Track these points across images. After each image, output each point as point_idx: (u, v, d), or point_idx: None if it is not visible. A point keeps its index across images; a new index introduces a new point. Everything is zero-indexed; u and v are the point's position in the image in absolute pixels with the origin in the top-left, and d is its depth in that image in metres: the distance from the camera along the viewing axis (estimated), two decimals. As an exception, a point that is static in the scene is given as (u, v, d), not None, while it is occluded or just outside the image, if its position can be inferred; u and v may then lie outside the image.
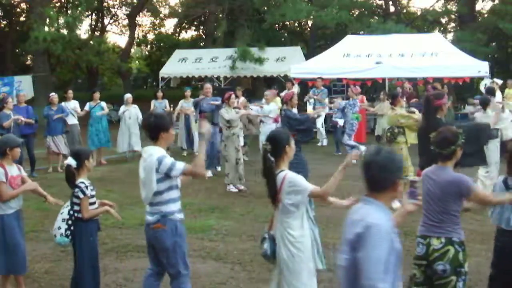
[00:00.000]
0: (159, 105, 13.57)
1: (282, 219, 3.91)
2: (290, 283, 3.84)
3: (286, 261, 3.84)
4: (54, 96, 12.02)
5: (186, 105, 13.40)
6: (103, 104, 12.93)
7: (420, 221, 4.00)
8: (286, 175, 3.88)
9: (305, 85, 17.62)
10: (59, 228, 4.54)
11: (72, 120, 12.41)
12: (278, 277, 3.93)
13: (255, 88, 25.07)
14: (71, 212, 4.54)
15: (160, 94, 13.86)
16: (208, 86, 11.40)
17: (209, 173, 10.49)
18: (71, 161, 4.53)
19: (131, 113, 13.12)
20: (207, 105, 10.87)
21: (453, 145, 3.86)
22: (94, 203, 4.63)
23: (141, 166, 4.28)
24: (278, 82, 18.71)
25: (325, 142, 15.52)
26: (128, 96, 13.48)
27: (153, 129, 4.27)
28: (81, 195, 4.49)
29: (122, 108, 13.32)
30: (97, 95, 12.99)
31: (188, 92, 13.86)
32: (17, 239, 4.85)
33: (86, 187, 4.51)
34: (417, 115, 7.84)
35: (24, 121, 10.58)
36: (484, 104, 8.83)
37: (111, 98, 15.57)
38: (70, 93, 12.75)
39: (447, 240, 3.79)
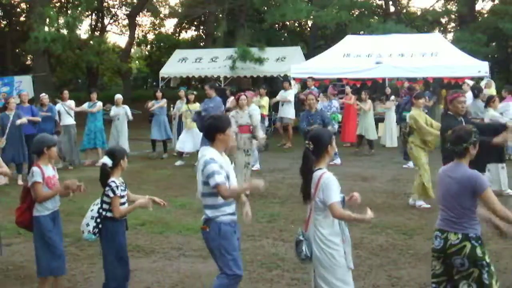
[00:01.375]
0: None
1: (314, 217, 3.94)
2: (325, 279, 3.87)
3: (320, 258, 3.87)
4: (43, 96, 11.91)
5: (179, 105, 13.42)
6: (99, 103, 12.85)
7: (438, 215, 4.09)
8: (323, 174, 3.92)
9: (305, 85, 17.61)
10: (88, 225, 4.54)
11: (68, 120, 12.29)
12: (314, 275, 3.97)
13: (255, 88, 25.03)
14: (100, 210, 4.53)
15: (159, 94, 13.84)
16: (207, 87, 11.35)
17: None
18: (106, 160, 4.50)
19: (120, 114, 13.09)
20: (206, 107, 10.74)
21: (465, 143, 3.94)
22: (124, 203, 4.59)
23: (198, 167, 4.31)
24: (277, 82, 18.69)
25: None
26: (118, 97, 13.43)
27: (209, 130, 4.26)
28: (111, 194, 4.46)
29: (114, 109, 13.25)
30: (94, 95, 12.95)
31: (181, 92, 13.76)
32: (55, 240, 4.78)
33: (117, 186, 4.47)
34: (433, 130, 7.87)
35: (30, 119, 10.55)
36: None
37: (111, 98, 15.57)
38: (66, 93, 12.67)
39: (464, 236, 3.86)
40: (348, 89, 15.36)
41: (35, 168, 4.72)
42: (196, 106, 12.33)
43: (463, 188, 3.88)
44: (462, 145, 3.94)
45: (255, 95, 13.19)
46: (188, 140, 12.29)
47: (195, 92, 13.35)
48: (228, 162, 4.37)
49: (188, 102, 12.74)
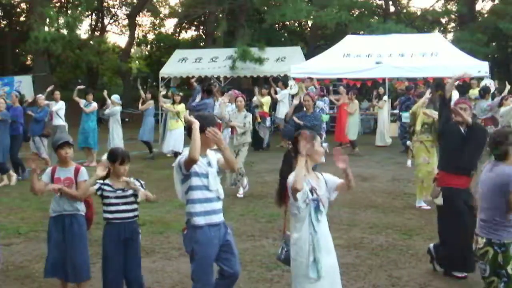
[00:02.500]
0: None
1: (291, 221, 3.96)
2: (291, 284, 3.94)
3: (291, 262, 3.93)
4: (40, 97, 11.93)
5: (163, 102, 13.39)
6: (93, 104, 12.83)
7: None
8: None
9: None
10: None
11: (58, 121, 12.31)
12: None
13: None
14: None
15: (148, 95, 13.88)
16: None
17: None
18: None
19: (116, 113, 13.09)
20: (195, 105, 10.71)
21: (502, 146, 3.95)
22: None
23: None
24: (277, 82, 18.66)
25: None
26: (114, 97, 13.32)
27: (189, 130, 4.03)
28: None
29: (108, 109, 13.25)
30: (90, 96, 12.94)
31: (170, 94, 13.84)
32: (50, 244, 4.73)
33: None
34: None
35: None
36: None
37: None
38: (57, 94, 12.69)
39: (487, 240, 3.89)
40: (341, 88, 15.37)
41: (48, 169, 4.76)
42: (182, 107, 12.24)
43: (495, 185, 3.88)
44: (498, 148, 3.95)
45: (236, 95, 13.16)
46: (170, 140, 12.33)
47: (181, 93, 13.23)
48: (210, 162, 4.14)
49: (173, 102, 12.59)
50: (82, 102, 12.91)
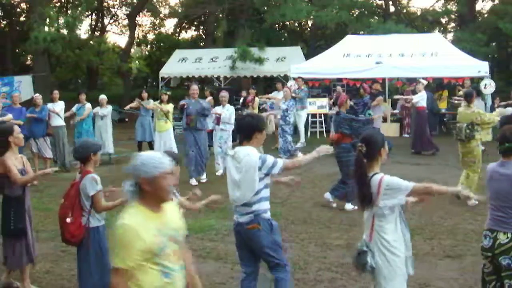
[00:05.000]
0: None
1: (376, 224, 3.77)
2: None
3: (381, 268, 3.71)
4: (37, 97, 11.66)
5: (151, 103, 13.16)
6: (88, 105, 12.70)
7: (488, 214, 4.12)
8: (383, 177, 3.74)
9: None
10: None
11: (58, 122, 12.00)
12: (373, 284, 3.85)
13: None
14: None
15: (145, 94, 13.57)
16: (195, 87, 10.68)
17: (193, 181, 10.05)
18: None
19: (105, 114, 12.95)
20: (193, 108, 10.26)
21: (508, 142, 4.04)
22: None
23: (233, 167, 4.33)
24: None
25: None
26: (102, 97, 13.17)
27: (248, 129, 4.35)
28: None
29: (98, 109, 13.00)
30: (82, 96, 12.72)
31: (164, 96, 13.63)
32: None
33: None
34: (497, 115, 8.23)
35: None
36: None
37: (111, 98, 15.58)
38: (56, 93, 12.34)
39: None
40: (339, 88, 15.38)
41: (95, 176, 4.49)
42: (169, 107, 11.82)
43: None
44: (505, 144, 4.03)
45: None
46: (160, 142, 11.65)
47: (169, 92, 12.59)
48: None
49: (161, 102, 11.96)
50: (73, 109, 12.58)
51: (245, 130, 4.36)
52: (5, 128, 5.27)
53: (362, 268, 3.77)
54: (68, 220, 4.40)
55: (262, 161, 4.22)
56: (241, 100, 15.99)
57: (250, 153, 4.25)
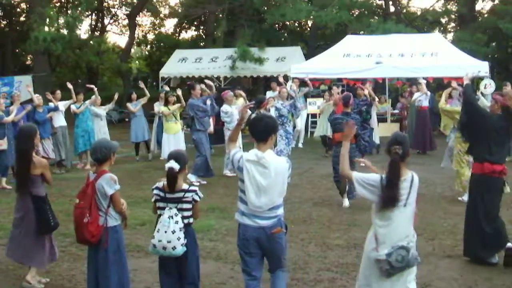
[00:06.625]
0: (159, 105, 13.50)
1: (407, 223, 4.03)
2: (412, 281, 4.03)
3: (412, 263, 3.97)
4: (37, 97, 11.53)
5: (156, 108, 13.28)
6: (86, 103, 12.62)
7: None
8: (414, 176, 4.02)
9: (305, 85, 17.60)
10: (179, 238, 4.18)
11: (60, 122, 11.96)
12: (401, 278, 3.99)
13: (255, 88, 25.06)
14: (182, 219, 4.26)
15: (134, 96, 13.62)
16: (200, 87, 10.71)
17: (193, 178, 9.97)
18: (174, 164, 4.21)
19: (102, 115, 12.96)
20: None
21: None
22: None
23: (256, 172, 4.03)
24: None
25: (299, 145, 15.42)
26: (93, 98, 13.08)
27: (266, 131, 4.09)
28: (198, 198, 4.29)
29: (94, 109, 12.91)
30: (80, 96, 12.64)
31: (162, 95, 13.42)
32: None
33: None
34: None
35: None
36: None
37: (110, 98, 15.53)
38: (58, 93, 12.27)
39: None
40: (335, 88, 15.35)
41: (113, 175, 4.49)
42: (176, 108, 11.81)
43: None
44: None
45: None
46: (170, 144, 11.48)
47: (174, 94, 12.47)
48: None
49: (167, 104, 11.94)
50: (73, 107, 12.45)
51: (263, 132, 4.09)
52: (34, 129, 5.44)
53: (407, 263, 3.90)
54: (86, 220, 4.34)
55: (289, 164, 4.17)
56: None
57: (276, 157, 4.15)
